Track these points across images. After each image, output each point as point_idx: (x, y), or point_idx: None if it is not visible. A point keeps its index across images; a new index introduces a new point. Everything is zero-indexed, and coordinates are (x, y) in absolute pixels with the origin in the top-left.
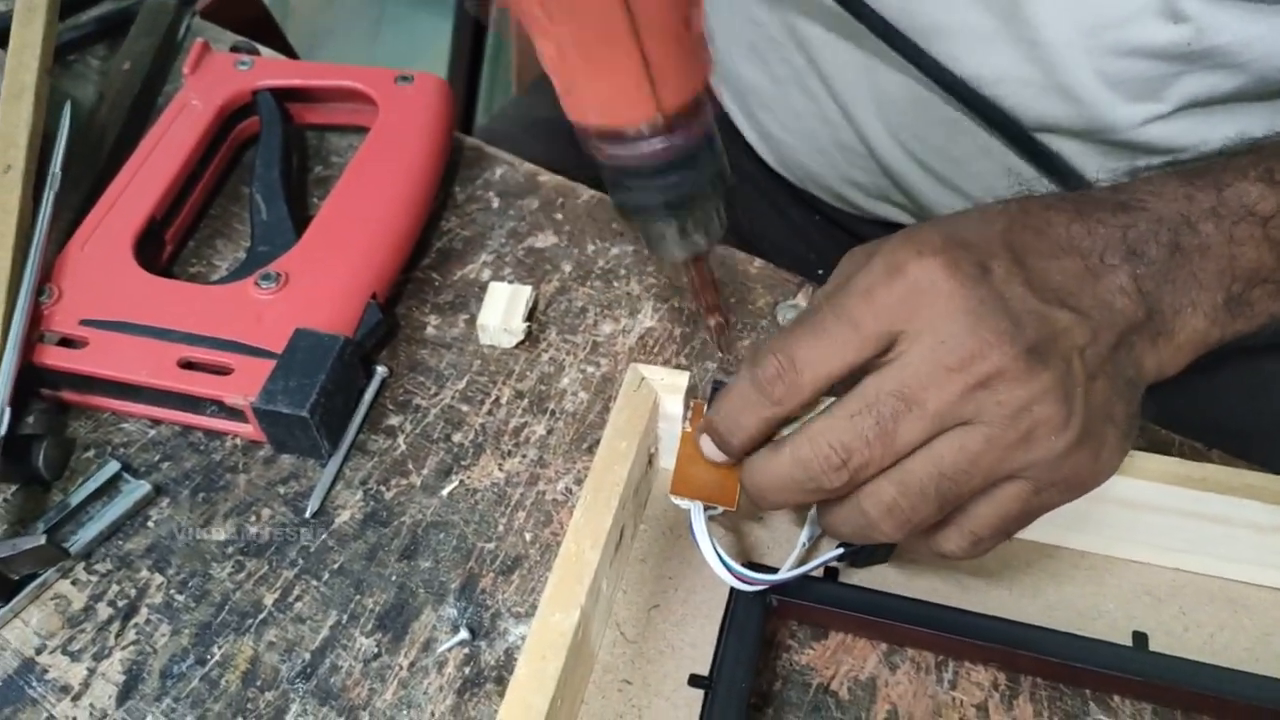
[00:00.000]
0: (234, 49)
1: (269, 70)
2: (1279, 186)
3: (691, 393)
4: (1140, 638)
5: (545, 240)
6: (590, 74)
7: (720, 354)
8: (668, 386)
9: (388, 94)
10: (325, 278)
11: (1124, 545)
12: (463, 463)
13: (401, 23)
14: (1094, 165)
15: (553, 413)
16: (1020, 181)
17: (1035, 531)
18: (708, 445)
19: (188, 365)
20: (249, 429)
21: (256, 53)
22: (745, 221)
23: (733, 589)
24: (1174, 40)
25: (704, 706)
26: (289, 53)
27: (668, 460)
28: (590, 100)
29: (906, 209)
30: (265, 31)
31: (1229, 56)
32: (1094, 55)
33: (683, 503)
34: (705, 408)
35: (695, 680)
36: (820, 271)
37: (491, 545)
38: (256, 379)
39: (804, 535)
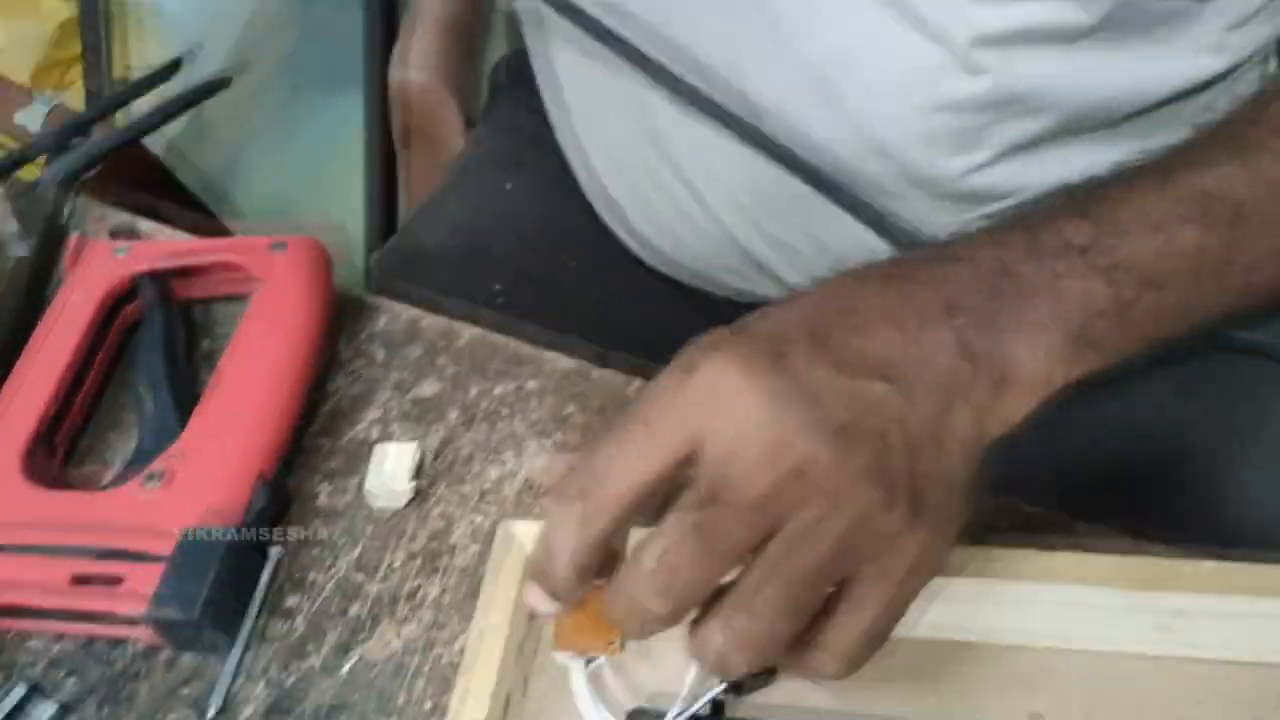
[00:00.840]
0: (113, 234)
1: (146, 254)
2: (1091, 218)
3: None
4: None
5: (430, 388)
6: None
7: None
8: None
9: (262, 263)
10: (210, 468)
11: (1012, 633)
12: (359, 636)
13: (316, 118)
14: (944, 221)
15: (445, 570)
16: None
17: (922, 629)
18: (534, 594)
19: (81, 580)
20: (147, 634)
21: (136, 235)
22: (649, 332)
23: None
24: (976, 93)
25: None
26: (190, 202)
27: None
28: None
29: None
30: (159, 184)
31: (1033, 101)
32: (904, 115)
33: (564, 659)
34: None
35: None
36: None
37: (393, 719)
38: (147, 586)
39: (690, 674)
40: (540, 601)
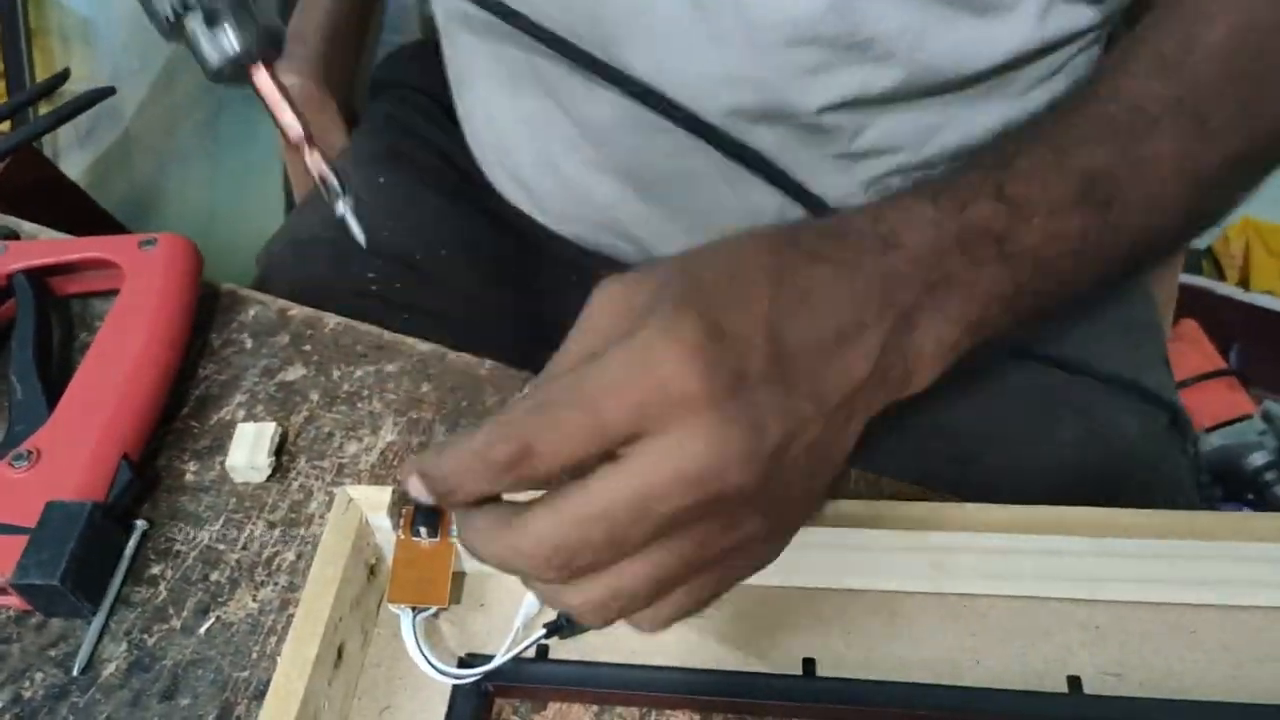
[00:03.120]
0: None
1: (22, 253)
2: (1006, 202)
3: (401, 502)
4: (808, 664)
5: (295, 373)
6: None
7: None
8: (373, 504)
9: (132, 259)
10: (75, 448)
11: (796, 576)
12: (219, 599)
13: (240, 134)
14: (800, 158)
15: (301, 538)
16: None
17: None
18: (415, 486)
19: None
20: (15, 600)
21: (16, 236)
22: (525, 307)
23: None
24: (821, 25)
25: None
26: (93, 211)
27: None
28: None
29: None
30: (54, 189)
31: (878, 48)
32: (766, 46)
33: (396, 609)
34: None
35: None
36: None
37: (246, 674)
38: (11, 555)
39: (518, 621)
40: (419, 491)
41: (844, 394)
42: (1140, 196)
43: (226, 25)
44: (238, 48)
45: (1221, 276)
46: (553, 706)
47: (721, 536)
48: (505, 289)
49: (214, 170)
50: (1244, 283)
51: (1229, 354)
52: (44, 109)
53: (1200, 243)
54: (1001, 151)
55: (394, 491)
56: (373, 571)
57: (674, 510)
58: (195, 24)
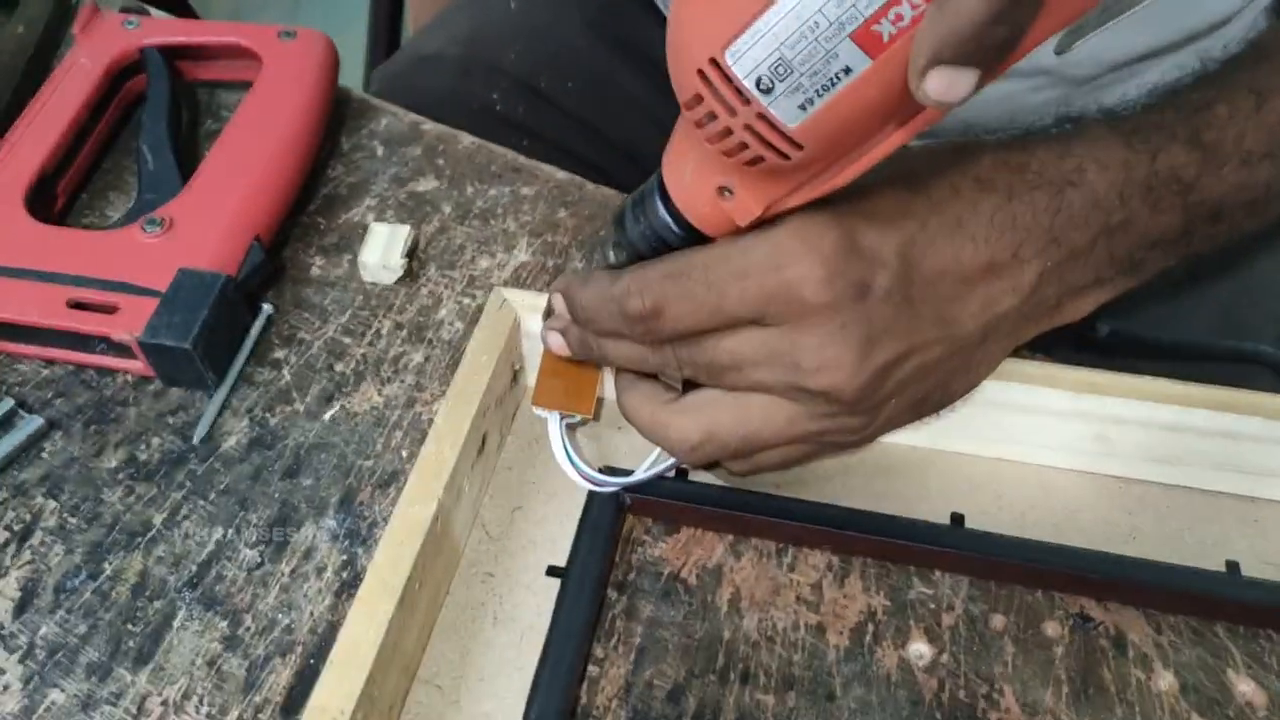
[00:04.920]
0: (124, 9)
1: (156, 29)
2: (1200, 148)
3: (551, 307)
4: (957, 518)
5: (427, 184)
6: None
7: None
8: (528, 306)
9: (271, 50)
10: (209, 221)
11: (946, 439)
12: (344, 390)
13: None
14: None
15: (430, 341)
16: None
17: None
18: (554, 338)
19: (77, 305)
20: (139, 365)
21: (146, 13)
22: (646, 148)
23: (591, 491)
24: None
25: (560, 593)
26: (191, 16)
27: (533, 377)
28: None
29: None
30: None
31: None
32: None
33: (542, 413)
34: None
35: (553, 570)
36: None
37: (370, 463)
38: (142, 316)
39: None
40: (555, 342)
41: (981, 322)
42: None
43: None
44: None
45: None
46: (685, 531)
47: (812, 421)
48: (632, 129)
49: (294, 18)
50: None
51: None
52: None
53: None
54: (1200, 92)
55: (547, 300)
56: (515, 378)
57: (769, 383)
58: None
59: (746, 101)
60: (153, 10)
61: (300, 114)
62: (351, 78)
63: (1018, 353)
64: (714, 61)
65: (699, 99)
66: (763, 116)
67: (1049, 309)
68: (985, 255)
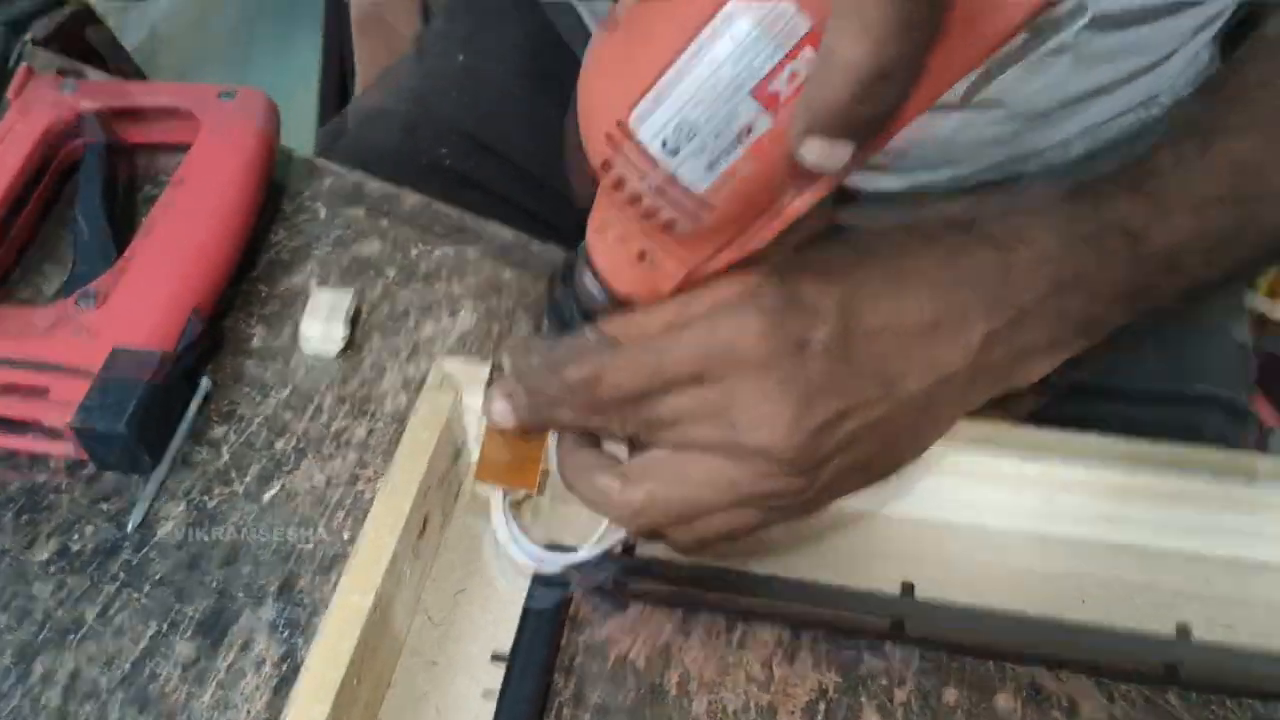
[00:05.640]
0: (60, 72)
1: (93, 92)
2: (1146, 197)
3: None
4: (908, 586)
5: (370, 247)
6: None
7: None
8: (470, 378)
9: (210, 111)
10: (144, 295)
11: (894, 504)
12: (284, 468)
13: (272, 43)
14: None
15: (373, 415)
16: None
17: None
18: (500, 407)
19: (7, 390)
20: (71, 448)
21: (83, 75)
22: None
23: (534, 572)
24: None
25: (505, 680)
26: (136, 73)
27: (476, 452)
28: None
29: None
30: (107, 56)
31: None
32: None
33: (486, 488)
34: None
35: (496, 657)
36: None
37: (310, 546)
38: (74, 399)
39: (604, 524)
40: (499, 410)
41: (926, 383)
42: None
43: None
44: None
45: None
46: (633, 610)
47: (754, 484)
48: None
49: (243, 77)
50: (1272, 292)
51: None
52: None
53: None
54: (1144, 141)
55: (491, 369)
56: (457, 454)
57: (708, 440)
58: None
59: (654, 164)
60: (89, 72)
61: (239, 177)
62: (304, 138)
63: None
64: (620, 125)
65: (608, 164)
66: (672, 179)
67: (999, 372)
68: (930, 313)
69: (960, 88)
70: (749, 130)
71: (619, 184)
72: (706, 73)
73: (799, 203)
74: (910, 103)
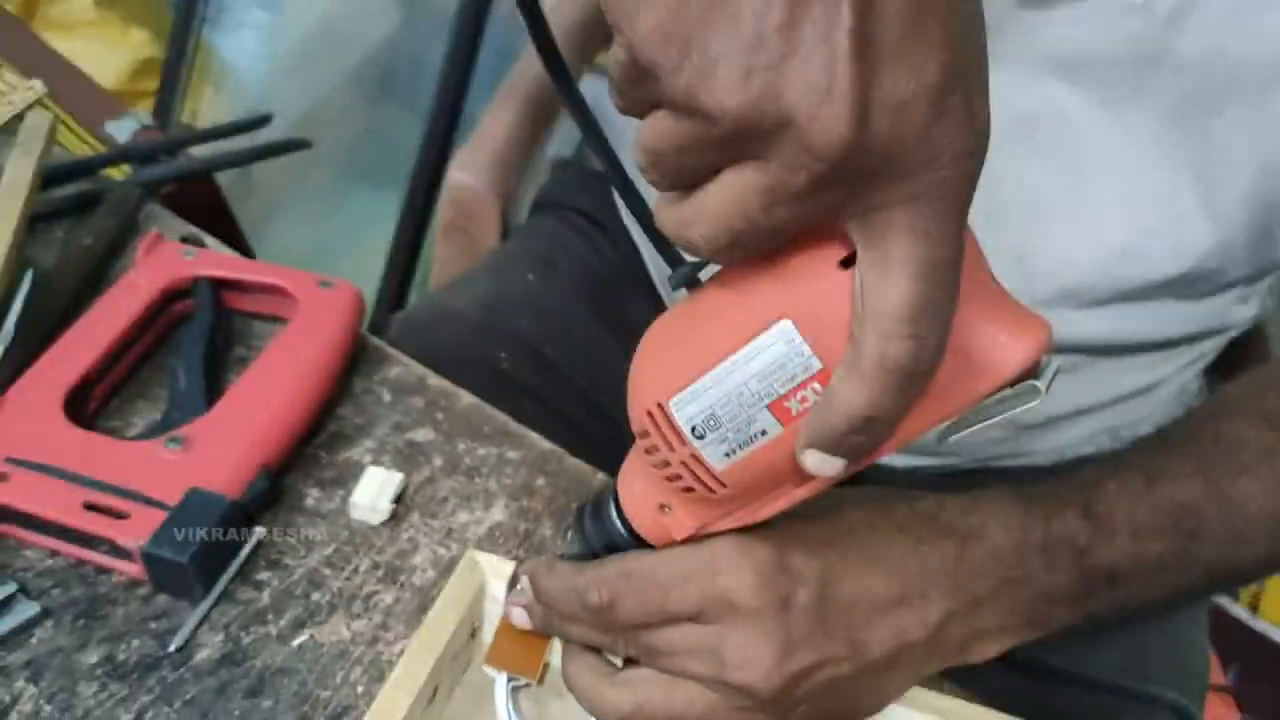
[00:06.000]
0: (183, 239)
1: (210, 262)
2: (1092, 519)
3: (512, 584)
4: None
5: (424, 435)
6: None
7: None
8: (495, 571)
9: (308, 294)
10: (225, 446)
11: None
12: (316, 619)
13: (354, 205)
14: None
15: (402, 584)
16: None
17: None
18: (518, 612)
19: (91, 507)
20: (135, 569)
21: (203, 244)
22: None
23: None
24: None
25: None
26: (238, 236)
27: (490, 635)
28: None
29: None
30: (217, 215)
31: None
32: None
33: (491, 671)
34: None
35: None
36: None
37: (327, 694)
38: (149, 526)
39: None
40: (520, 617)
41: (888, 649)
42: (1223, 531)
43: None
44: None
45: (1235, 596)
46: None
47: (730, 712)
48: (621, 403)
49: (322, 230)
50: (1254, 607)
51: (1227, 671)
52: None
53: None
54: (1096, 470)
55: (513, 575)
56: (473, 634)
57: (695, 673)
58: None
59: (684, 442)
60: (209, 239)
61: (324, 358)
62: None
63: (929, 682)
64: (660, 406)
65: (646, 433)
66: (695, 457)
67: (955, 647)
68: (896, 589)
69: (934, 434)
70: (763, 433)
71: (652, 450)
72: (737, 383)
73: (798, 492)
74: (892, 438)
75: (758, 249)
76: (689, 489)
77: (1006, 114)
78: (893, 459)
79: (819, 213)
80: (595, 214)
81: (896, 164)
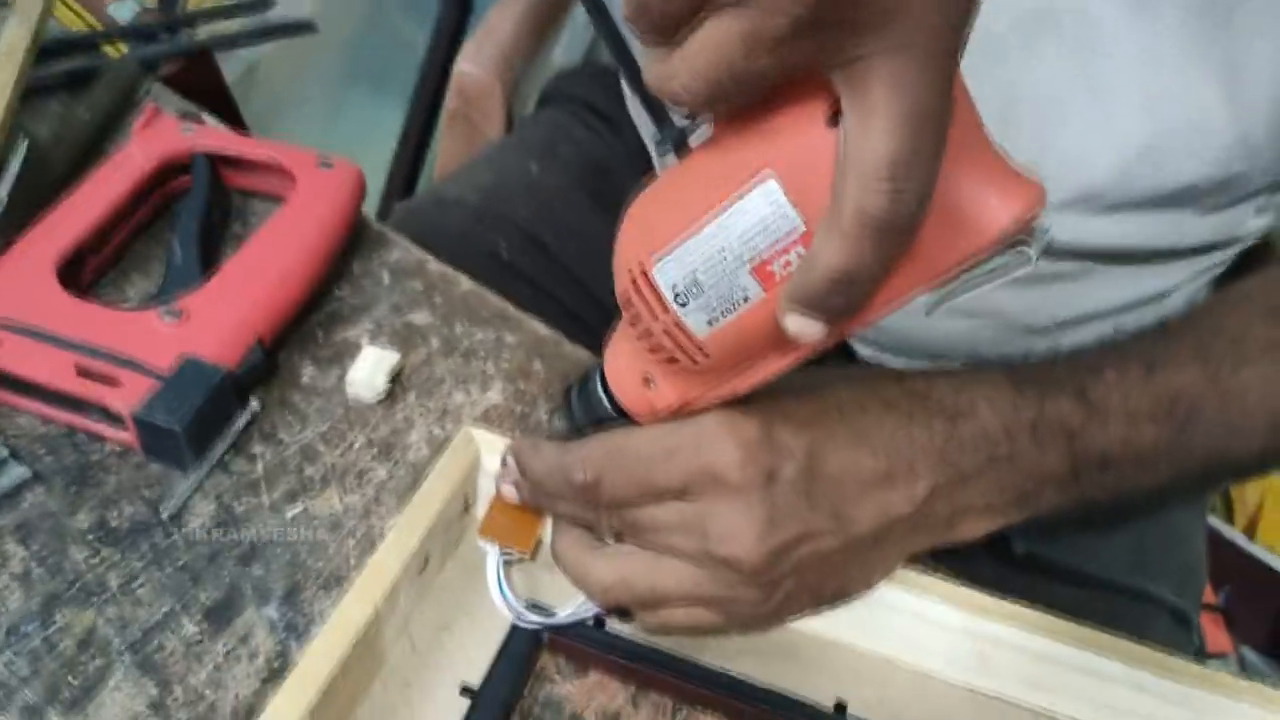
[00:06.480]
0: (182, 115)
1: (208, 137)
2: (1086, 402)
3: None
4: (841, 705)
5: (421, 317)
6: None
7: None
8: (489, 445)
9: (307, 173)
10: (220, 317)
11: (840, 630)
12: (309, 492)
13: (360, 107)
14: None
15: (396, 461)
16: None
17: None
18: (508, 488)
19: (84, 373)
20: (127, 436)
21: (202, 121)
22: None
23: (514, 624)
24: None
25: (468, 713)
26: (238, 122)
27: (483, 510)
28: None
29: None
30: (218, 100)
31: None
32: None
33: (484, 544)
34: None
35: (465, 690)
36: None
37: (319, 564)
38: (142, 393)
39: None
40: (509, 492)
41: (874, 524)
42: (1220, 423)
43: None
44: None
45: (1230, 519)
46: (593, 675)
47: (715, 586)
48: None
49: (326, 129)
50: (1250, 531)
51: (1219, 591)
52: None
53: None
54: (1096, 356)
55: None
56: (466, 508)
57: (680, 549)
58: None
59: (666, 309)
60: (209, 118)
61: (321, 236)
62: (369, 200)
63: (920, 560)
64: (644, 271)
65: (630, 300)
66: (678, 324)
67: (941, 524)
68: (883, 466)
69: (922, 305)
70: (745, 298)
71: (635, 320)
72: (718, 246)
73: (780, 362)
74: (874, 302)
75: (740, 99)
76: (672, 359)
77: (1022, 9)
78: (894, 360)
79: (800, 61)
80: (602, 108)
81: (877, 10)
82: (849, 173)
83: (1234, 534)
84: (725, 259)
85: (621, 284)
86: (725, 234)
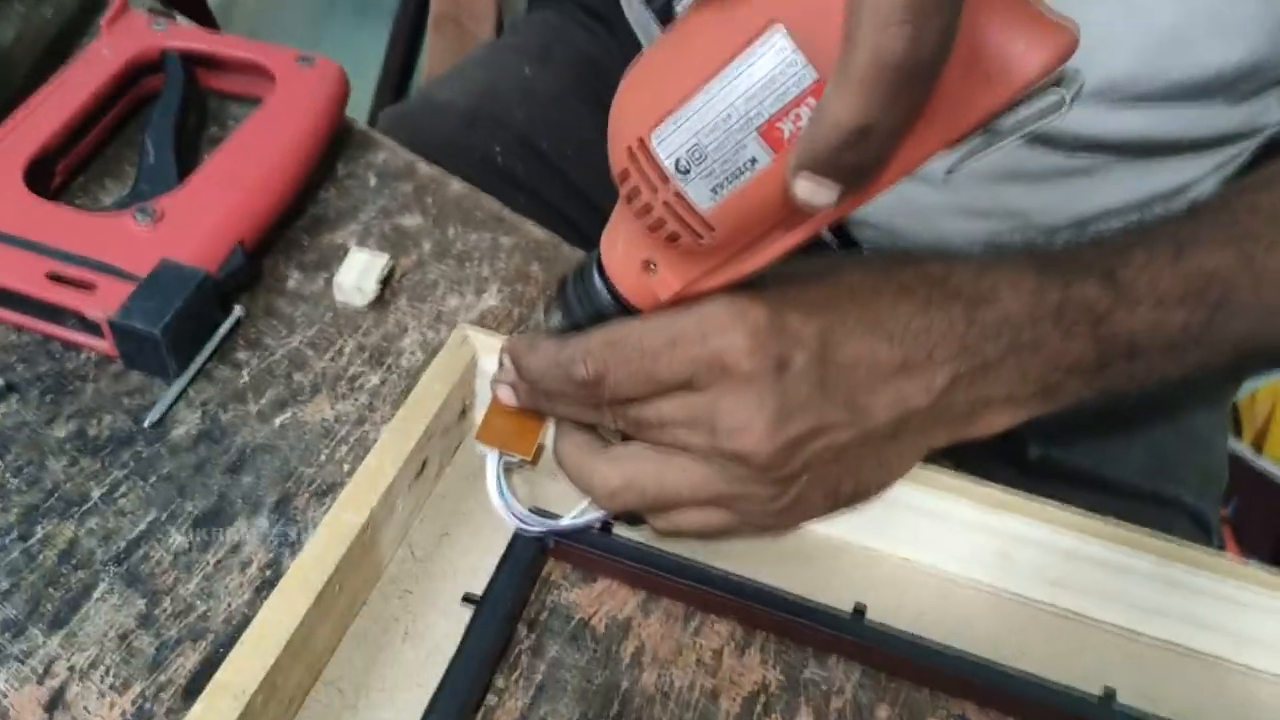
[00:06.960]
0: (151, 10)
1: (180, 35)
2: (1113, 285)
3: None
4: (860, 608)
5: (412, 220)
6: None
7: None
8: (487, 347)
9: (287, 71)
10: (198, 219)
11: (858, 533)
12: (299, 399)
13: (344, 22)
14: None
15: (389, 367)
16: None
17: None
18: (505, 390)
19: (56, 279)
20: (105, 345)
21: (173, 18)
22: None
23: (517, 530)
24: None
25: (471, 620)
26: (212, 26)
27: (481, 414)
28: None
29: None
30: (192, 5)
31: None
32: None
33: (483, 449)
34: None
35: (468, 598)
36: None
37: (311, 471)
38: (118, 297)
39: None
40: (506, 394)
41: (891, 415)
42: (1253, 304)
43: None
44: None
45: (1239, 433)
46: (601, 582)
47: (726, 483)
48: (614, 197)
49: (312, 48)
50: (1258, 444)
51: (1227, 504)
52: None
53: None
54: (1123, 238)
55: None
56: (464, 412)
57: (691, 445)
58: None
59: (666, 180)
60: (179, 17)
61: (303, 136)
62: (357, 108)
63: (935, 462)
64: (641, 141)
65: (627, 175)
66: (680, 195)
67: (961, 416)
68: (900, 354)
69: (944, 163)
70: (752, 163)
71: (633, 194)
72: (722, 107)
73: (790, 238)
74: (893, 163)
75: None
76: (674, 236)
77: None
78: None
79: None
80: (597, 7)
81: None
82: (863, 12)
83: (1242, 448)
84: (730, 121)
85: (618, 159)
86: (729, 94)
